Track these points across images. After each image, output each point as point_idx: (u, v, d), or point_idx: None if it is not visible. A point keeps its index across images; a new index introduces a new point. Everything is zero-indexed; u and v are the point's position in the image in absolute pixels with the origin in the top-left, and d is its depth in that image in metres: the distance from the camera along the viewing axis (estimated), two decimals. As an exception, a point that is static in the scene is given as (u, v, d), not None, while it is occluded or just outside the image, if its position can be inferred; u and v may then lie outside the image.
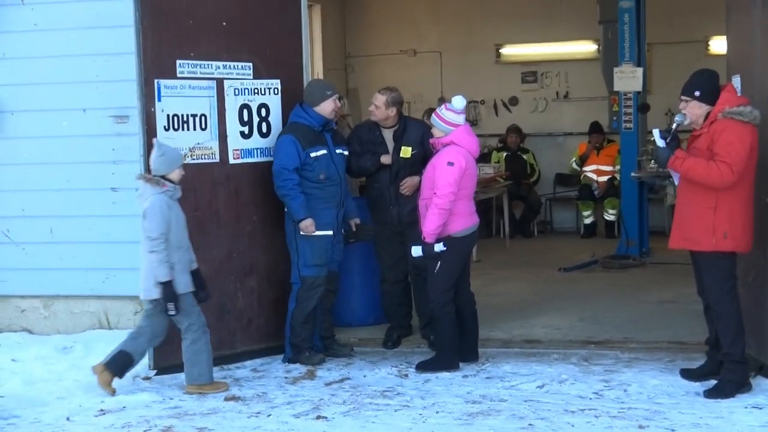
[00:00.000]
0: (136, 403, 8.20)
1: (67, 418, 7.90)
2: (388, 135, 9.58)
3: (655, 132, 8.03)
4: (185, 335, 8.45)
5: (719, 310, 7.96)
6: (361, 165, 9.56)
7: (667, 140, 8.01)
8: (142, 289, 8.40)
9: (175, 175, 8.36)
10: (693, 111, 7.93)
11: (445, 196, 8.64)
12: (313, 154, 9.02)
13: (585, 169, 16.69)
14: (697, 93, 7.90)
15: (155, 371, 8.86)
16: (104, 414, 7.98)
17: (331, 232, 9.14)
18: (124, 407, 8.11)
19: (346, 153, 9.38)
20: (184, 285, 8.36)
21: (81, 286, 10.21)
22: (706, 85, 7.92)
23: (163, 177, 8.31)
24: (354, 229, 9.45)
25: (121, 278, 10.02)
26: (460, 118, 8.92)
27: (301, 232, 8.99)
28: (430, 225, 8.67)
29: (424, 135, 9.35)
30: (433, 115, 9.06)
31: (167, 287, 8.26)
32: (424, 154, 9.36)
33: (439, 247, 8.71)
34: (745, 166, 7.70)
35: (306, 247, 9.06)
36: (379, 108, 9.49)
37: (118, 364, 8.45)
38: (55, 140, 10.16)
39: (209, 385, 8.47)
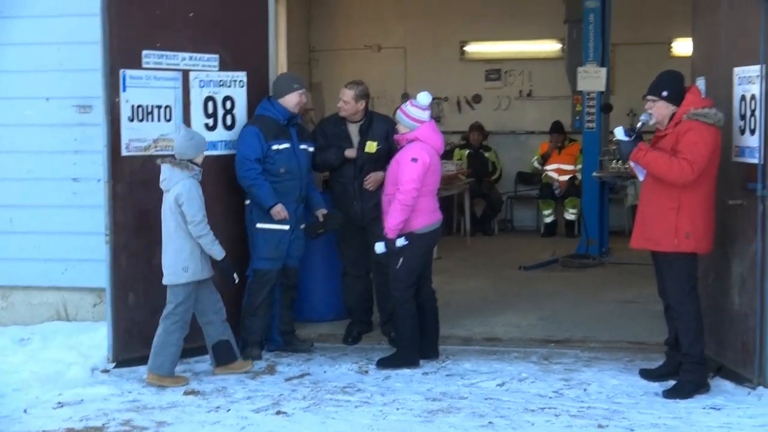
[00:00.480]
0: (95, 396, 8.13)
1: (24, 411, 7.82)
2: (353, 129, 9.56)
3: (618, 129, 8.05)
4: (163, 321, 8.45)
5: (680, 311, 8.00)
6: (325, 159, 9.53)
7: (631, 138, 8.06)
8: (169, 274, 8.42)
9: (200, 158, 8.48)
10: (660, 111, 7.96)
11: (408, 192, 8.63)
12: (275, 147, 9.00)
13: (546, 168, 16.75)
14: (664, 93, 7.94)
15: (114, 364, 8.78)
16: (62, 407, 7.91)
17: (287, 227, 9.11)
18: (82, 400, 8.04)
19: (311, 149, 9.36)
20: (194, 272, 8.42)
21: (40, 277, 10.11)
22: (674, 85, 7.96)
23: (189, 161, 8.38)
24: (321, 220, 9.42)
25: (80, 270, 9.94)
26: (425, 115, 8.92)
27: (276, 218, 8.98)
28: (392, 221, 8.67)
29: (390, 130, 9.34)
30: (398, 110, 9.04)
31: (226, 262, 8.47)
32: (389, 149, 9.35)
33: (401, 243, 8.70)
34: (707, 167, 7.74)
35: (261, 240, 9.06)
36: (348, 103, 9.47)
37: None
38: (18, 129, 10.06)
39: (169, 378, 8.43)
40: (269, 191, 8.95)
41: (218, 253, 8.44)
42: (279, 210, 8.95)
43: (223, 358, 8.68)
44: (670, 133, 7.85)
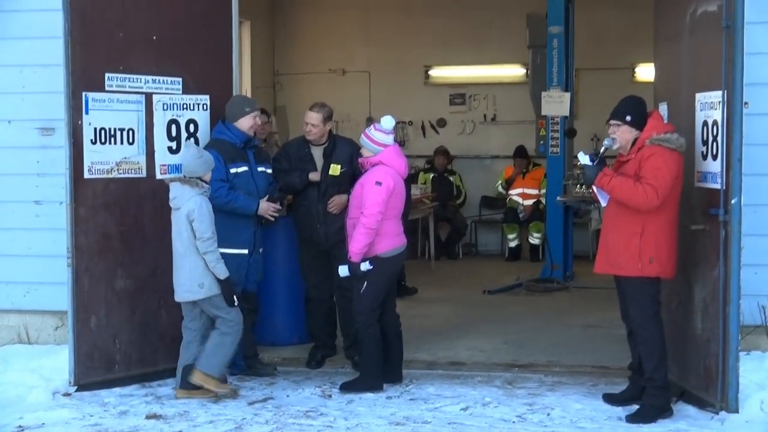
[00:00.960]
0: (56, 420, 8.05)
1: (-16, 435, 7.76)
2: (317, 152, 9.54)
3: (582, 155, 8.09)
4: (219, 326, 8.59)
5: (643, 335, 8.02)
6: (289, 182, 9.51)
7: (595, 163, 8.10)
8: (184, 291, 8.50)
9: (209, 176, 8.58)
10: (623, 135, 8.00)
11: (372, 216, 8.62)
12: (233, 170, 8.98)
13: (511, 192, 16.79)
14: (628, 117, 7.98)
15: (76, 387, 8.72)
16: (23, 430, 7.84)
17: (246, 251, 9.08)
18: (43, 424, 7.97)
19: (269, 171, 9.35)
20: (209, 287, 8.52)
21: (1, 300, 10.03)
22: (637, 110, 8.00)
23: (199, 178, 8.47)
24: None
25: (42, 292, 9.87)
26: (389, 138, 8.93)
27: (269, 214, 9.04)
28: (356, 244, 8.65)
29: (354, 153, 9.34)
30: (362, 134, 9.03)
31: (227, 283, 8.47)
32: (353, 172, 9.34)
33: (365, 267, 8.68)
34: (670, 192, 7.77)
35: None
36: (316, 126, 9.45)
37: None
38: (-21, 151, 9.99)
39: (216, 380, 8.51)
40: (246, 198, 8.97)
41: (221, 272, 8.46)
42: (267, 206, 9.03)
43: (188, 383, 8.62)
44: (633, 158, 7.88)
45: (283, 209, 9.48)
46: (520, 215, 16.54)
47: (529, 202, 16.55)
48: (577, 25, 14.60)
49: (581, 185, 13.25)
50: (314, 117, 9.45)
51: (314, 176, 9.45)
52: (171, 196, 8.47)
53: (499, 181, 16.94)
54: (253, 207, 8.99)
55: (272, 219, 9.11)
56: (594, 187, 8.16)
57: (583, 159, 8.06)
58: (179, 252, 8.49)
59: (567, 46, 14.22)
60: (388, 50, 18.00)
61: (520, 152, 16.73)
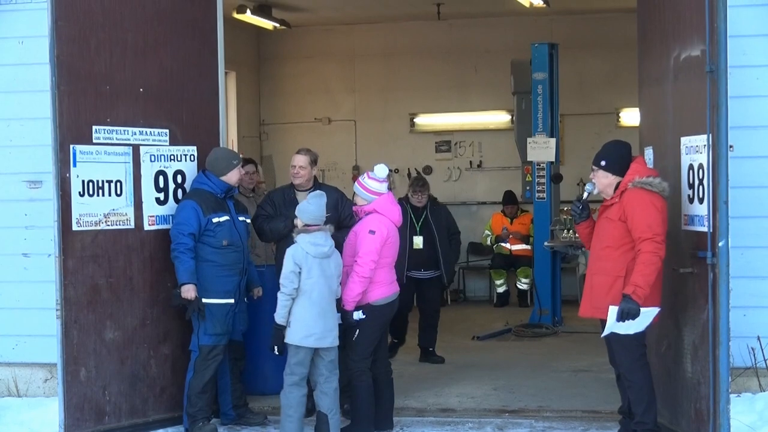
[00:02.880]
0: (46, 474, 8.03)
1: (-27, 490, 7.72)
2: (302, 197, 9.53)
3: (588, 186, 8.24)
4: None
5: (631, 379, 8.03)
6: (273, 227, 9.51)
7: (580, 208, 8.14)
8: (299, 336, 8.53)
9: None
10: (600, 180, 8.08)
11: (366, 264, 8.62)
12: (215, 220, 8.98)
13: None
14: (603, 162, 8.05)
15: (68, 440, 8.70)
16: (12, 485, 7.82)
17: (232, 300, 9.07)
18: (33, 478, 7.95)
19: (248, 221, 9.38)
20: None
21: (-11, 353, 10.00)
22: (612, 155, 8.07)
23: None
24: (255, 297, 9.51)
25: (31, 345, 9.83)
26: (383, 187, 8.96)
27: (182, 296, 8.87)
28: (350, 293, 8.64)
29: (339, 200, 9.38)
30: (355, 183, 9.04)
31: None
32: (338, 218, 9.35)
33: (357, 316, 8.68)
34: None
35: (206, 316, 8.96)
36: (304, 168, 9.50)
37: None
38: (-33, 205, 9.99)
39: None
40: (189, 268, 8.85)
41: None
42: (189, 289, 8.83)
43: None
44: (617, 202, 7.92)
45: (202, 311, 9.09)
46: (506, 239, 16.59)
47: (518, 247, 16.57)
48: (561, 70, 14.68)
49: (568, 230, 13.33)
50: (301, 159, 9.50)
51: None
52: (325, 245, 8.51)
53: (488, 234, 16.96)
54: (183, 279, 8.84)
55: (186, 301, 8.90)
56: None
57: (589, 188, 8.23)
58: (329, 299, 8.55)
59: (552, 91, 14.30)
60: (374, 99, 18.12)
61: (510, 198, 16.78)
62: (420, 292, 12.17)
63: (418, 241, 11.97)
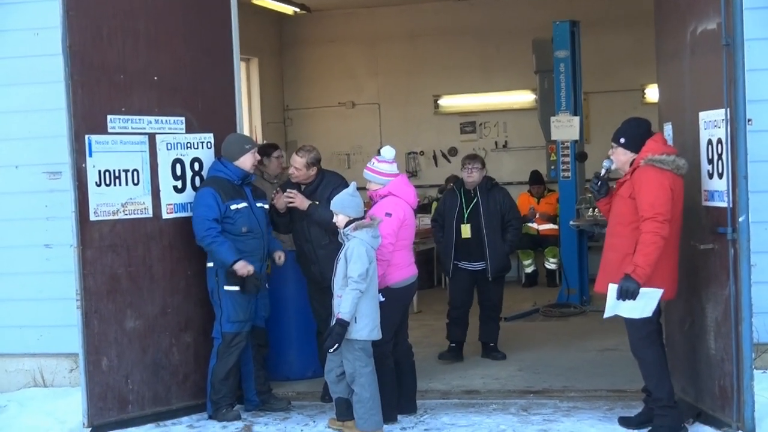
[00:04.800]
0: (69, 463, 8.07)
1: (-2, 480, 7.76)
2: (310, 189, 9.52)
3: (605, 162, 8.20)
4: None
5: (638, 355, 8.04)
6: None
7: (598, 185, 8.08)
8: (367, 330, 8.37)
9: None
10: (618, 157, 8.05)
11: (384, 247, 8.58)
12: (233, 207, 8.97)
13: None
14: (622, 140, 8.00)
15: (90, 429, 8.70)
16: (36, 474, 7.86)
17: (252, 271, 9.01)
18: (56, 467, 7.98)
19: (266, 206, 9.34)
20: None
21: (15, 344, 10.04)
22: (632, 132, 8.03)
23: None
24: (277, 261, 9.40)
25: (56, 335, 9.88)
26: (394, 167, 8.91)
27: (240, 274, 8.87)
28: (370, 276, 8.59)
29: (335, 190, 9.02)
30: (365, 170, 8.97)
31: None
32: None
33: (378, 298, 8.64)
34: (671, 208, 7.73)
35: (228, 303, 8.97)
36: (300, 170, 9.43)
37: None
38: (-13, 197, 10.02)
39: None
40: (230, 247, 8.87)
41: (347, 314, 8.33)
42: (242, 266, 8.87)
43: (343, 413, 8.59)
44: (628, 179, 7.87)
45: (260, 282, 9.16)
46: (534, 219, 16.47)
47: (545, 227, 16.49)
48: (584, 48, 14.57)
49: (593, 209, 13.22)
50: (298, 161, 9.45)
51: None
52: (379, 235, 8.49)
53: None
54: (230, 260, 8.85)
55: (244, 275, 8.93)
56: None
57: (606, 164, 8.18)
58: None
59: (574, 69, 14.20)
60: (397, 81, 18.09)
61: (536, 178, 16.70)
62: (477, 285, 11.34)
63: (466, 230, 11.09)
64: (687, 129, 8.42)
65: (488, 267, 11.10)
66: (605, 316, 7.98)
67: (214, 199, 8.90)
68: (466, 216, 11.12)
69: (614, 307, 7.84)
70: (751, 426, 7.78)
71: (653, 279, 7.73)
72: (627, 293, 7.68)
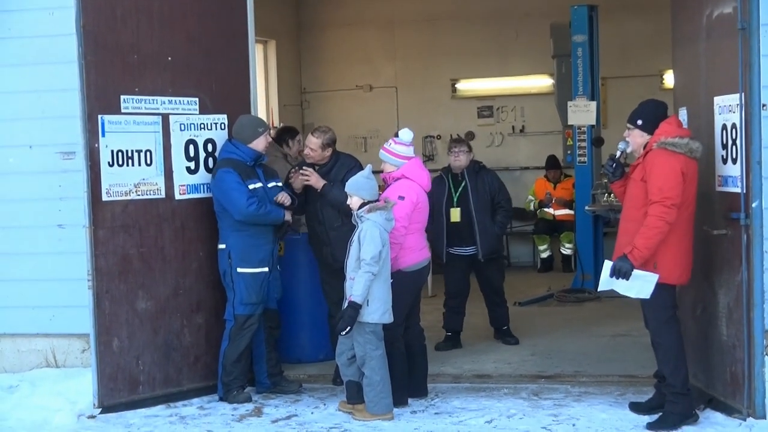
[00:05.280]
0: (80, 443, 8.08)
1: (9, 459, 7.77)
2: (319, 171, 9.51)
3: (621, 144, 8.16)
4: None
5: (657, 341, 7.97)
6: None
7: (613, 167, 8.05)
8: (379, 313, 8.36)
9: None
10: (635, 140, 8.00)
11: (397, 230, 8.57)
12: (251, 186, 8.97)
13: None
14: (639, 122, 7.95)
15: (100, 410, 8.73)
16: (47, 454, 7.87)
17: (266, 269, 9.06)
18: (67, 447, 7.99)
19: (279, 185, 9.33)
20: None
21: (28, 324, 10.03)
22: (649, 114, 7.96)
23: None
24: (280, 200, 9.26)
25: (68, 316, 9.84)
26: (410, 150, 8.90)
27: (285, 205, 9.03)
28: (381, 258, 8.56)
29: (350, 172, 9.07)
30: (381, 151, 8.97)
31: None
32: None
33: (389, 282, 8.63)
34: (682, 192, 7.68)
35: (241, 285, 8.98)
36: (315, 150, 9.41)
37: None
38: (1, 177, 10.00)
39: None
40: (275, 207, 9.01)
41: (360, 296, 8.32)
42: (283, 197, 9.07)
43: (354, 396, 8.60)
44: (641, 162, 7.83)
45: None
46: (549, 203, 16.45)
47: (561, 212, 16.45)
48: (602, 33, 14.51)
49: (609, 194, 13.16)
50: (313, 142, 9.42)
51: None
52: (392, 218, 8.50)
53: (531, 200, 16.85)
54: (282, 217, 9.00)
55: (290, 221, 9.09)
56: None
57: (622, 146, 8.15)
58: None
59: (592, 54, 14.15)
60: (415, 65, 18.01)
61: (553, 163, 16.66)
62: (475, 270, 11.31)
63: (456, 213, 10.92)
64: (702, 113, 8.38)
65: (479, 249, 10.96)
66: (599, 289, 8.06)
67: (239, 178, 8.90)
68: (455, 200, 10.98)
69: (607, 282, 7.86)
70: (762, 412, 7.78)
71: (663, 262, 7.71)
72: (619, 272, 7.69)
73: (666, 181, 7.61)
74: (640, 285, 7.74)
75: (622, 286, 7.80)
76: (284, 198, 9.04)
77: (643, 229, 7.63)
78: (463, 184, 11.01)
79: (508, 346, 10.91)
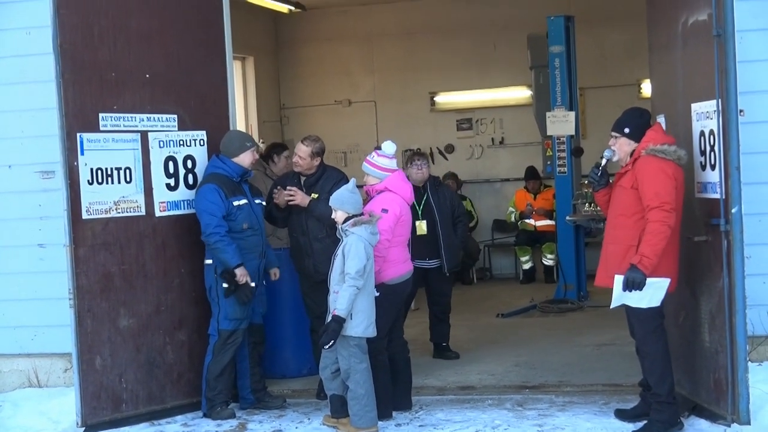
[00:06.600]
0: (63, 462, 8.04)
1: (-9, 481, 7.73)
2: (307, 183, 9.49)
3: (606, 152, 8.15)
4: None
5: (644, 350, 7.96)
6: (269, 209, 9.49)
7: (599, 175, 8.05)
8: (362, 327, 8.33)
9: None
10: (622, 148, 8.00)
11: (380, 243, 8.56)
12: (235, 203, 8.97)
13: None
14: (626, 130, 7.96)
15: (84, 429, 8.68)
16: (30, 474, 7.84)
17: (253, 284, 9.03)
18: (50, 467, 7.95)
19: (264, 203, 9.34)
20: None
21: (9, 344, 10.01)
22: (636, 122, 7.98)
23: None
24: (273, 278, 9.42)
25: (50, 335, 9.85)
26: (393, 163, 8.90)
27: (237, 279, 8.85)
28: (363, 271, 8.55)
29: (336, 185, 9.05)
30: (364, 163, 8.96)
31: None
32: None
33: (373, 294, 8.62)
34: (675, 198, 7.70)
35: (227, 300, 8.95)
36: (304, 159, 9.39)
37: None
38: (-19, 197, 9.99)
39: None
40: (236, 250, 8.87)
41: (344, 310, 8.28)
42: (243, 272, 8.86)
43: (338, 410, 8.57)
44: (630, 169, 7.84)
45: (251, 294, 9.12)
46: (530, 215, 16.46)
47: (542, 223, 16.47)
48: (579, 43, 14.56)
49: (590, 203, 13.20)
50: (303, 150, 9.40)
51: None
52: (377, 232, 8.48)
53: (512, 210, 16.87)
54: (234, 263, 8.84)
55: (240, 282, 8.91)
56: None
57: (607, 154, 8.13)
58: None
59: (569, 64, 14.18)
60: (393, 79, 18.05)
61: (532, 174, 16.68)
62: (427, 284, 11.19)
63: (422, 226, 10.80)
64: (680, 120, 8.41)
65: (444, 263, 10.93)
66: (611, 306, 7.96)
67: (219, 195, 8.89)
68: (420, 213, 10.91)
69: (620, 297, 7.81)
70: (746, 418, 7.77)
71: (660, 269, 7.72)
72: (633, 284, 7.64)
73: (662, 186, 7.63)
74: (652, 293, 7.73)
75: (634, 299, 7.77)
76: (243, 276, 8.93)
77: (647, 236, 7.63)
78: (425, 197, 10.98)
79: (493, 357, 10.87)
